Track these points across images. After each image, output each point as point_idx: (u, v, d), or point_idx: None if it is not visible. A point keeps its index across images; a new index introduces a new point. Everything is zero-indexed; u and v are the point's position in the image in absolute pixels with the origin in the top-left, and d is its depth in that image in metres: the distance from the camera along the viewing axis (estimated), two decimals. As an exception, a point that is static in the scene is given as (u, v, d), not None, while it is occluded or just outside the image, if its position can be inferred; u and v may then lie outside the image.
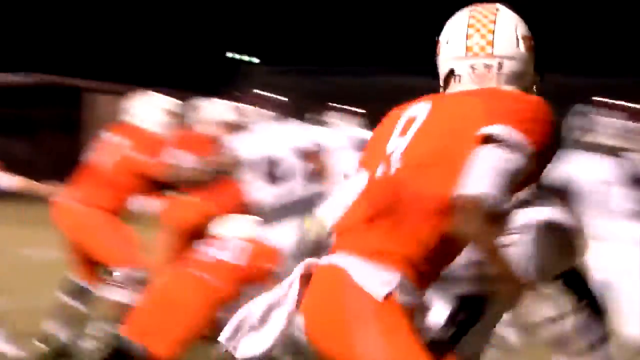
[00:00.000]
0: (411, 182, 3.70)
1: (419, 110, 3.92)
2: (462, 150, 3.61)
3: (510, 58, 3.92)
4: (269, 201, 9.07)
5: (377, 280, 3.58)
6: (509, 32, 3.96)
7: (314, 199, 8.38)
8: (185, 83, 32.94)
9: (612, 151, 8.86)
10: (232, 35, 53.26)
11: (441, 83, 4.08)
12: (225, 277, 8.13)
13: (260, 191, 9.15)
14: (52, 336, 9.53)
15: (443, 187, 3.60)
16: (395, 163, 3.81)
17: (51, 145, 38.80)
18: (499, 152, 3.52)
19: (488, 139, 3.58)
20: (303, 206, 8.63)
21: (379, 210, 3.70)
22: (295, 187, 9.09)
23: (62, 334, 9.65)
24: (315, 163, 9.33)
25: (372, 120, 8.66)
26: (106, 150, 9.77)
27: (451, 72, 4.01)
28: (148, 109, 10.09)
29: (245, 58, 50.77)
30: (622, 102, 9.89)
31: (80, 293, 9.86)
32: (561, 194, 8.30)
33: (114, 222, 9.68)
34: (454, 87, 4.00)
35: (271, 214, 8.96)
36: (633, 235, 8.56)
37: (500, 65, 3.91)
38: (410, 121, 3.92)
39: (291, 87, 13.25)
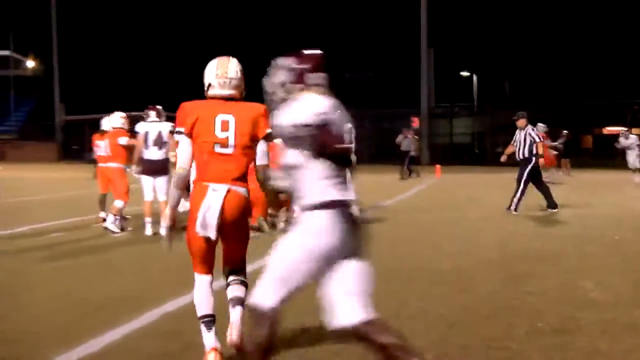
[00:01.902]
0: (245, 155, 4.69)
1: (227, 117, 4.68)
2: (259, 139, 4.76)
3: (236, 79, 4.79)
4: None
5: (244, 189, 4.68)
6: (234, 66, 4.82)
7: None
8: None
9: None
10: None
11: (205, 89, 4.81)
12: None
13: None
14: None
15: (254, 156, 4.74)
16: (232, 145, 4.66)
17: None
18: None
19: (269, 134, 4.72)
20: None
21: (238, 166, 4.65)
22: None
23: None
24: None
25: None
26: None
27: (210, 85, 4.79)
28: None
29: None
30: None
31: None
32: None
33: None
34: (211, 91, 4.79)
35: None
36: None
37: (231, 80, 4.76)
38: (226, 123, 4.67)
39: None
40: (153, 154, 11.15)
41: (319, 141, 3.69)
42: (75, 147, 52.99)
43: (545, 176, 24.81)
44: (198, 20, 76.22)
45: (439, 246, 9.73)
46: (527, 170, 14.03)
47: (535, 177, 14.30)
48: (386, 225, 11.91)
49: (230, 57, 4.91)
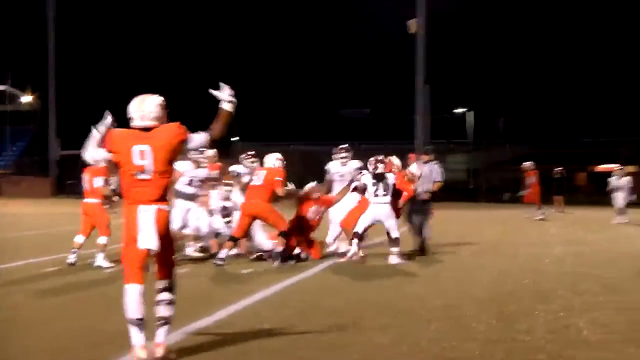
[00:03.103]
0: (163, 177, 5.54)
1: (144, 147, 5.49)
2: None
3: (154, 112, 5.63)
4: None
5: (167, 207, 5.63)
6: (152, 102, 5.67)
7: None
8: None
9: None
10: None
11: (130, 122, 5.68)
12: None
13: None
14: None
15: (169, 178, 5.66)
16: (149, 172, 5.50)
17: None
18: None
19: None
20: None
21: (158, 188, 5.51)
22: None
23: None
24: None
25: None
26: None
27: (131, 118, 5.66)
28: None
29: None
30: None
31: None
32: None
33: None
34: (132, 123, 5.65)
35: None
36: None
37: (149, 114, 5.61)
38: (143, 152, 5.49)
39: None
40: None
41: None
42: (70, 181, 52.97)
43: (531, 213, 24.98)
44: (195, 56, 76.50)
45: (432, 283, 9.74)
46: (429, 205, 13.80)
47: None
48: (378, 262, 11.90)
49: (151, 95, 5.76)
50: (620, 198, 23.15)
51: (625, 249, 14.61)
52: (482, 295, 8.71)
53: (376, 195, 12.08)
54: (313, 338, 6.34)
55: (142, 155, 5.54)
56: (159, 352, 5.48)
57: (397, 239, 11.97)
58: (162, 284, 5.69)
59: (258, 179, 11.77)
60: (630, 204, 23.38)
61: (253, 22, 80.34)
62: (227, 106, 5.97)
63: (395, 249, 11.93)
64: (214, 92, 6.04)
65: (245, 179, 12.99)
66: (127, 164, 5.57)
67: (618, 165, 26.23)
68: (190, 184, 12.36)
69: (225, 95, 6.00)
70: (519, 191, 26.76)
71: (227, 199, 12.96)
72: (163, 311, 5.62)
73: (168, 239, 5.67)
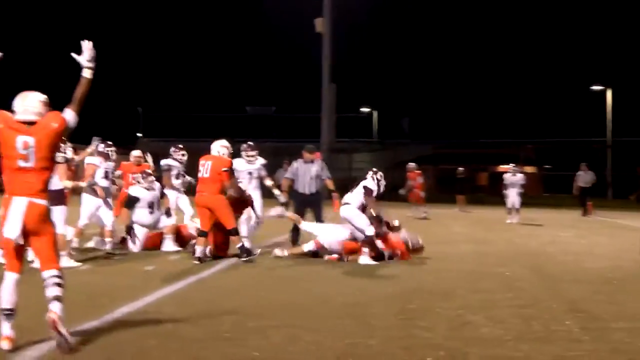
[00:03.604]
0: (45, 170, 5.64)
1: (27, 138, 5.56)
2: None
3: (36, 107, 5.68)
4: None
5: (44, 202, 5.66)
6: (34, 98, 5.69)
7: None
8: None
9: None
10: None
11: (16, 117, 5.63)
12: None
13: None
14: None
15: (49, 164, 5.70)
16: (32, 160, 5.57)
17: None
18: None
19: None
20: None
21: (38, 180, 5.61)
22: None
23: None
24: None
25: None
26: None
27: (15, 112, 5.66)
28: None
29: None
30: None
31: None
32: None
33: None
34: (16, 117, 5.65)
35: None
36: None
37: (33, 108, 5.67)
38: (27, 142, 5.54)
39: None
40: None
41: None
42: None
43: (413, 213, 25.33)
44: (102, 50, 74.99)
45: (335, 282, 9.79)
46: (322, 204, 14.08)
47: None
48: (281, 261, 11.89)
49: (33, 92, 5.79)
50: (514, 196, 23.52)
51: (521, 247, 15.05)
52: (385, 294, 8.80)
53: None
54: (212, 336, 6.29)
55: (26, 145, 5.61)
56: (52, 316, 5.54)
57: (368, 237, 11.77)
58: (46, 274, 5.76)
59: (205, 170, 11.48)
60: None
61: (161, 19, 79.14)
62: (86, 73, 5.89)
63: (365, 249, 11.80)
64: (76, 57, 5.94)
65: (174, 172, 13.70)
66: (10, 151, 5.63)
67: (515, 165, 26.64)
68: (106, 177, 12.19)
69: (83, 60, 5.91)
70: (401, 190, 26.58)
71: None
72: (51, 292, 5.69)
73: (44, 232, 5.75)
